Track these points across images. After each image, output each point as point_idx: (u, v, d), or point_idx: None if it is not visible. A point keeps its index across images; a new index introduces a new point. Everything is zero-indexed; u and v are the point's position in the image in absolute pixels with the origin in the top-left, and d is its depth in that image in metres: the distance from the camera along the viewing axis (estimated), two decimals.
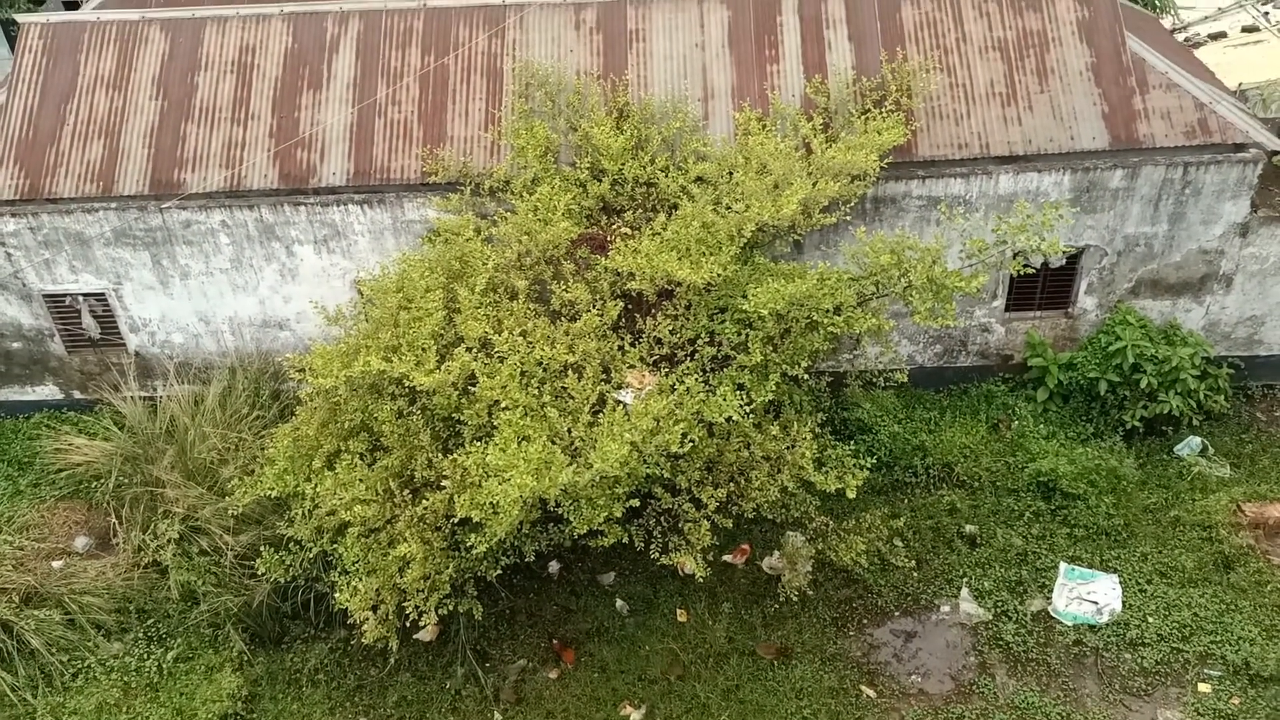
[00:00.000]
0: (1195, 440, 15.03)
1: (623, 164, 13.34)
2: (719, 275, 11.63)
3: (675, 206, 12.99)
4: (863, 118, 13.71)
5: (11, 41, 21.87)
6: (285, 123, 14.63)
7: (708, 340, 12.17)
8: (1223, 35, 19.46)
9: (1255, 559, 13.38)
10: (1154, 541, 13.78)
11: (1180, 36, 19.75)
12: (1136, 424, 14.91)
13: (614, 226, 13.00)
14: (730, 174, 12.97)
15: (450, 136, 14.50)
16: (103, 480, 14.14)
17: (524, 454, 10.32)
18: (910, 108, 14.05)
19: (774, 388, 11.93)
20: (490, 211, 13.64)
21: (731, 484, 12.07)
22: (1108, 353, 14.92)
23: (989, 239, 12.79)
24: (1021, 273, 13.00)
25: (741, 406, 11.54)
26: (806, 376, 12.47)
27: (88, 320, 15.41)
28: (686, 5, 15.08)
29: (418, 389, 11.28)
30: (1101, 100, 14.28)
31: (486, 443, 10.90)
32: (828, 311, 11.83)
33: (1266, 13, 19.12)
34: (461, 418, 11.42)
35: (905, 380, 13.65)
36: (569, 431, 10.95)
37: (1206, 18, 20.03)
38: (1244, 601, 12.92)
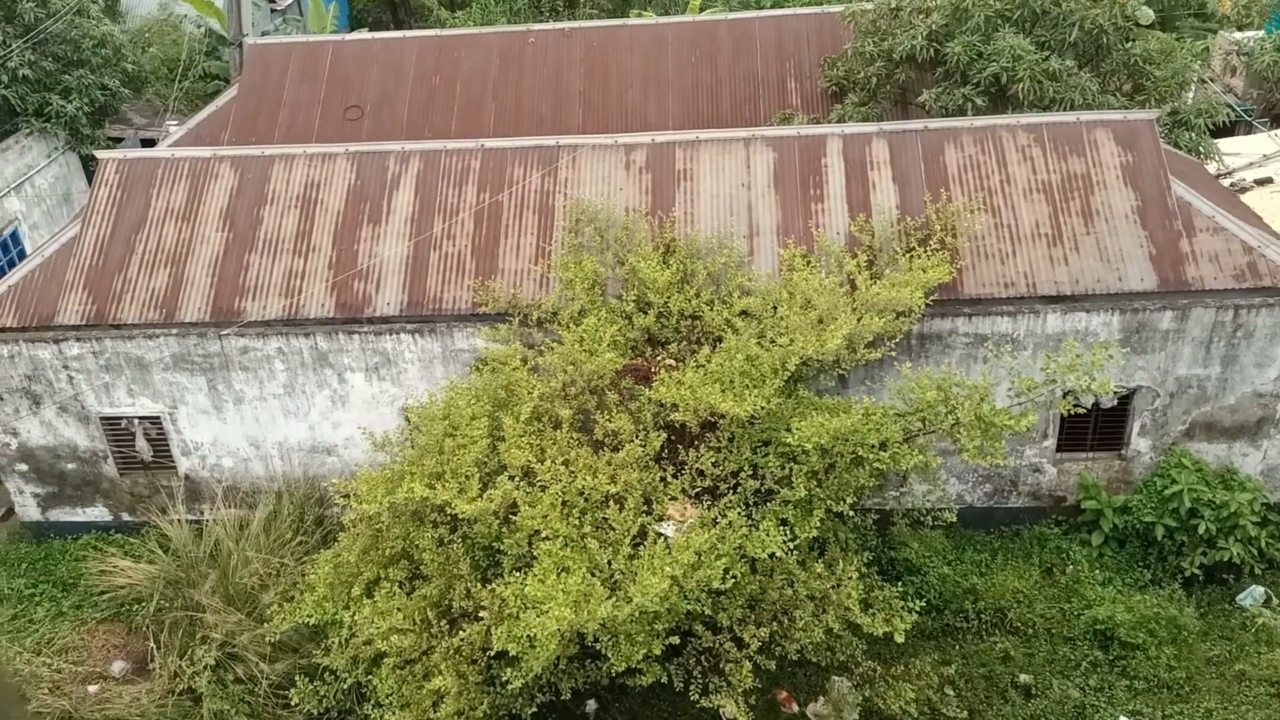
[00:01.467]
0: (1259, 590, 14.44)
1: (668, 297, 13.55)
2: (763, 408, 11.61)
3: (719, 340, 13.09)
4: (907, 255, 13.85)
5: (89, 176, 23.08)
6: (344, 255, 15.12)
7: (751, 474, 12.07)
8: (1269, 181, 19.56)
9: None
10: (1219, 696, 13.11)
11: (1226, 182, 19.88)
12: (1196, 571, 14.39)
13: (658, 358, 13.11)
14: (774, 308, 13.10)
15: (501, 269, 14.86)
16: (144, 603, 14.15)
17: (563, 585, 10.19)
18: (955, 247, 14.19)
19: (818, 524, 11.74)
20: (537, 342, 13.85)
21: (775, 623, 11.77)
22: (1164, 496, 14.54)
23: (1038, 377, 12.69)
24: (1072, 412, 12.82)
25: (785, 542, 11.35)
26: (852, 513, 12.27)
27: (141, 443, 15.69)
28: (733, 147, 15.53)
29: (459, 517, 11.26)
30: (1148, 243, 14.33)
31: (526, 573, 10.79)
32: (873, 447, 11.72)
33: None
34: (502, 547, 11.35)
35: (954, 520, 13.36)
36: (609, 563, 10.81)
37: (1252, 164, 20.18)
38: None
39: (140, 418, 15.54)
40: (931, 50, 17.28)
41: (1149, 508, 14.66)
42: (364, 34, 22.18)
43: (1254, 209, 17.50)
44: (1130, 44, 17.12)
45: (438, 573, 11.54)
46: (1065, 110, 16.15)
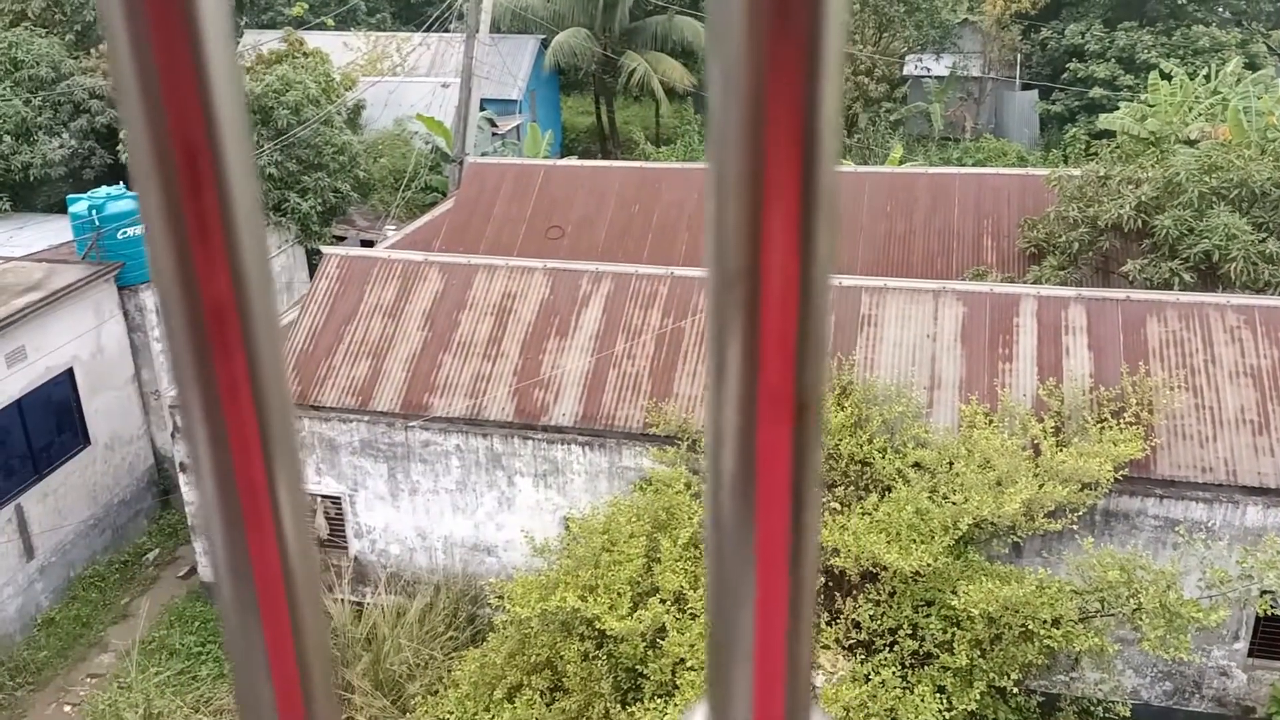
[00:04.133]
0: None
1: (840, 439, 13.41)
2: (929, 565, 11.23)
3: (889, 489, 12.82)
4: (1098, 426, 13.30)
5: (310, 268, 25.04)
6: (529, 363, 15.75)
7: (910, 633, 11.61)
8: None
9: None
10: None
11: None
12: None
13: (824, 501, 12.93)
14: (950, 464, 12.76)
15: (675, 393, 15.12)
16: None
17: None
18: (1150, 423, 13.53)
19: (978, 697, 11.12)
20: (702, 468, 13.90)
21: None
22: None
23: (1233, 571, 11.79)
24: (1269, 613, 11.80)
25: (941, 711, 10.78)
26: (1015, 691, 11.57)
27: (320, 520, 16.51)
28: (921, 297, 15.46)
29: (607, 633, 11.27)
30: None
31: (666, 701, 10.63)
32: (1045, 622, 11.10)
33: None
34: (645, 670, 11.25)
35: (1128, 715, 12.38)
36: None
37: None
38: None
39: (324, 496, 16.39)
40: (1139, 221, 16.88)
41: None
42: (574, 160, 23.50)
43: None
44: None
45: (579, 687, 11.52)
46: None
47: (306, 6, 37.84)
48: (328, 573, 16.65)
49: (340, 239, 28.17)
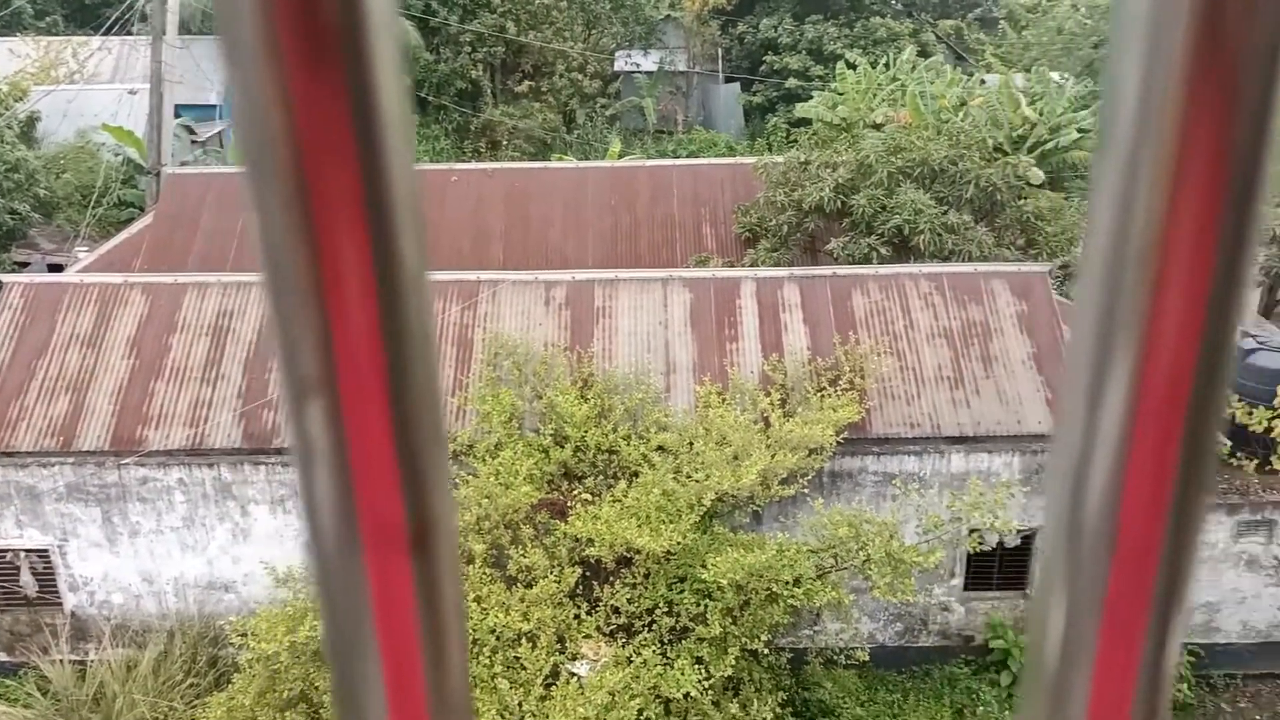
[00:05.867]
0: None
1: (585, 431, 13.60)
2: (678, 543, 11.61)
3: (636, 474, 13.13)
4: (818, 395, 14.22)
5: None
6: (255, 384, 14.88)
7: (666, 610, 11.96)
8: None
9: None
10: None
11: None
12: None
13: (575, 492, 13.07)
14: (690, 445, 13.24)
15: None
16: None
17: None
18: (864, 388, 14.62)
19: (734, 662, 11.62)
20: (451, 475, 13.69)
21: None
22: None
23: (944, 515, 12.96)
24: (978, 550, 13.07)
25: (700, 681, 11.18)
26: (767, 651, 12.19)
27: (26, 577, 14.87)
28: (651, 287, 15.93)
29: None
30: (1044, 387, 14.96)
31: None
32: (787, 583, 11.75)
33: None
34: None
35: (867, 659, 13.35)
36: (519, 704, 10.49)
37: None
38: None
39: (27, 550, 14.77)
40: (839, 202, 18.17)
41: None
42: None
43: None
44: (1022, 201, 18.26)
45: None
46: (963, 261, 17.02)
47: None
48: (40, 633, 15.04)
49: (23, 265, 25.46)
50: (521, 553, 11.98)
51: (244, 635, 11.24)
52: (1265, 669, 15.68)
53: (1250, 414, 14.92)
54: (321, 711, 11.14)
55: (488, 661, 10.81)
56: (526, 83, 35.42)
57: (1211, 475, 0.48)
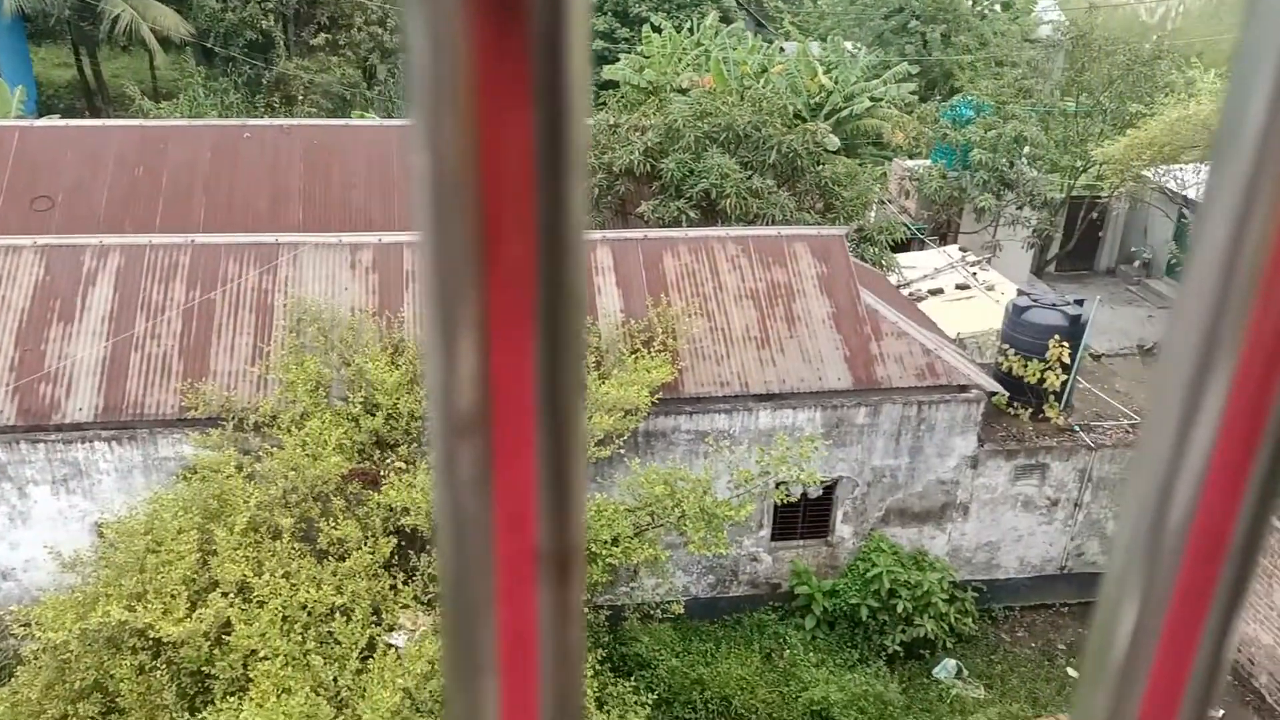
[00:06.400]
0: (950, 663, 15.77)
1: (398, 398, 13.27)
2: None
3: None
4: (633, 356, 14.40)
5: None
6: (29, 356, 13.73)
7: None
8: (940, 291, 22.05)
9: None
10: None
11: (905, 292, 22.19)
12: (897, 648, 15.53)
13: (388, 461, 12.76)
14: None
15: (214, 371, 14.02)
16: None
17: (284, 708, 9.52)
18: (675, 349, 14.91)
19: None
20: (254, 448, 13.10)
21: None
22: (866, 579, 15.67)
23: (753, 470, 13.44)
24: (784, 502, 13.64)
25: None
26: (585, 611, 12.34)
27: None
28: None
29: (164, 641, 10.30)
30: (843, 345, 15.70)
31: (241, 698, 9.99)
32: (606, 543, 11.91)
33: (975, 273, 21.89)
34: (213, 671, 10.47)
35: (681, 612, 13.74)
36: (335, 680, 10.23)
37: (926, 275, 22.70)
38: None
39: None
40: (648, 165, 18.36)
41: (854, 590, 15.74)
42: (56, 120, 20.65)
43: (929, 316, 19.65)
44: (820, 167, 18.98)
45: (138, 704, 10.45)
46: (767, 225, 17.58)
47: None
48: None
49: None
50: (333, 525, 11.63)
51: (27, 625, 10.43)
52: (1038, 600, 17.15)
53: (1025, 366, 16.16)
54: (118, 700, 10.50)
55: (299, 638, 10.46)
56: (323, 35, 33.90)
57: None
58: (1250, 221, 0.45)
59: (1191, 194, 20.87)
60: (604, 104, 22.01)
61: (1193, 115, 20.30)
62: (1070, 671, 15.91)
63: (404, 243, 15.57)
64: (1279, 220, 0.44)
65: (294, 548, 11.34)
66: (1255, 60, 0.43)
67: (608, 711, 11.80)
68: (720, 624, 16.05)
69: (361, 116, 27.16)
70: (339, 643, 10.54)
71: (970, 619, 16.11)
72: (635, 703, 12.16)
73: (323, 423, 12.80)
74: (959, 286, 21.55)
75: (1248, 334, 0.46)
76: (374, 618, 11.06)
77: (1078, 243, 26.00)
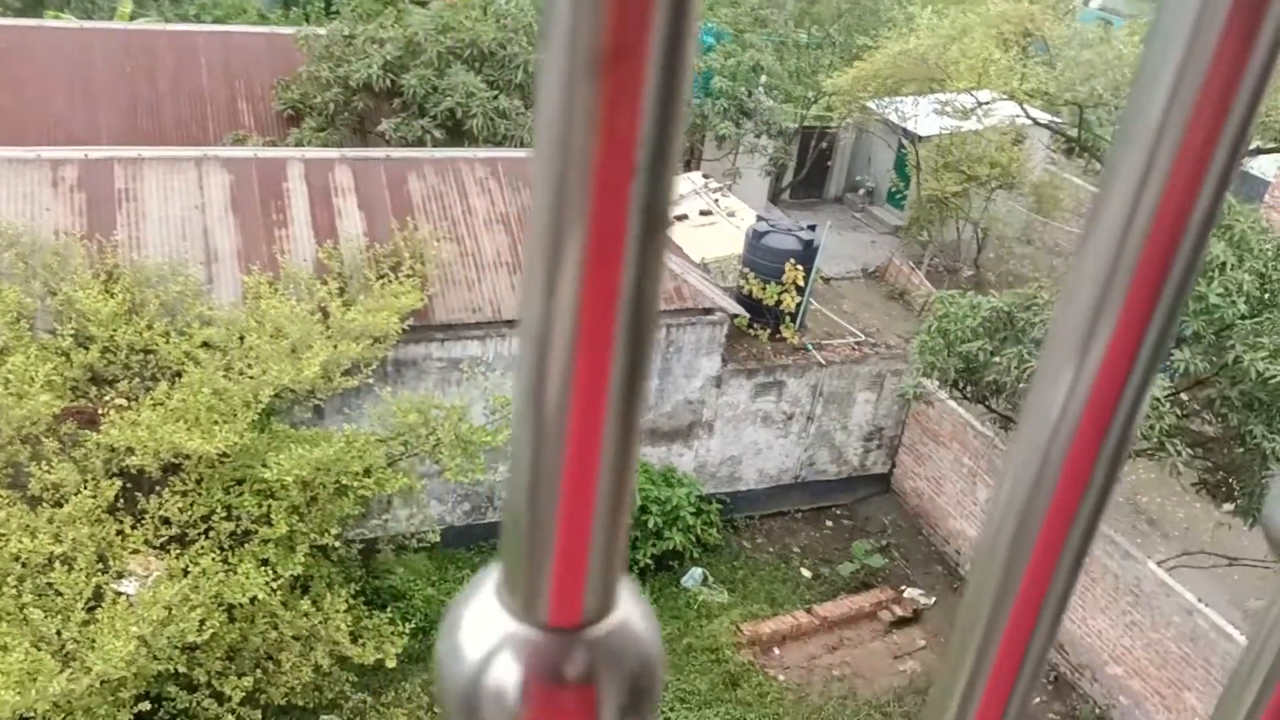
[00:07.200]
0: (697, 571, 16.54)
1: (114, 330, 12.13)
2: (235, 444, 10.87)
3: (180, 374, 12.01)
4: (379, 282, 13.85)
5: None
6: None
7: (225, 515, 11.22)
8: (684, 217, 22.62)
9: (755, 673, 14.85)
10: (673, 670, 14.76)
11: None
12: (648, 561, 16.10)
13: (107, 398, 11.69)
14: (241, 339, 12.33)
15: None
16: None
17: (1, 666, 8.64)
18: (424, 274, 14.47)
19: (302, 560, 11.24)
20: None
21: (258, 670, 11.04)
22: None
23: (510, 395, 13.37)
24: None
25: (267, 584, 10.70)
26: (337, 545, 11.93)
27: None
28: (183, 167, 14.40)
29: None
30: None
31: None
32: (358, 474, 11.51)
33: (717, 199, 22.58)
34: None
35: (438, 540, 13.57)
36: (59, 633, 9.38)
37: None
38: (750, 715, 14.21)
39: None
40: (388, 81, 17.53)
41: None
42: None
43: (674, 241, 20.13)
44: None
45: None
46: (516, 147, 17.28)
47: None
48: None
49: None
50: (46, 469, 10.55)
51: None
52: (775, 509, 18.25)
53: (764, 289, 16.91)
54: None
55: (15, 592, 9.49)
56: None
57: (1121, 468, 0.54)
58: (1142, 203, 0.46)
59: (910, 126, 22.37)
60: (337, 12, 20.78)
61: (912, 49, 21.65)
62: (804, 572, 17.10)
63: (115, 159, 14.13)
64: (1170, 205, 0.46)
65: (1, 495, 10.22)
66: (1165, 43, 0.44)
67: (363, 644, 11.54)
68: (477, 550, 16.03)
69: (56, 16, 24.25)
70: (60, 594, 9.66)
71: (715, 530, 16.93)
72: (392, 633, 11.96)
73: (28, 358, 11.52)
74: (702, 213, 22.16)
75: (1122, 310, 0.48)
76: (99, 565, 10.20)
77: (809, 171, 27.30)
